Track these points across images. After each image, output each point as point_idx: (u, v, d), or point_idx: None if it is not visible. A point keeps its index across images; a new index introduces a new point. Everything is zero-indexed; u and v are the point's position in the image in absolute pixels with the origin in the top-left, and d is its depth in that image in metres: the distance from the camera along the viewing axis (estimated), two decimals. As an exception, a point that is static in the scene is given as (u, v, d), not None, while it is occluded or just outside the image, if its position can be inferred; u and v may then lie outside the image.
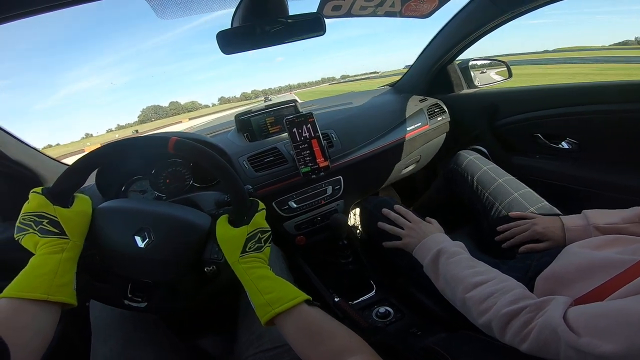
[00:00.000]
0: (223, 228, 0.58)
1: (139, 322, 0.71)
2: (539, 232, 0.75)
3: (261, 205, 0.62)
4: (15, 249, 0.86)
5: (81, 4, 0.51)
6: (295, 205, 1.08)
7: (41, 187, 0.55)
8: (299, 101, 1.29)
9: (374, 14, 1.15)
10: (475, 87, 1.42)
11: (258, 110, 1.23)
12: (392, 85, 1.62)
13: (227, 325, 0.87)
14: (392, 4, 1.08)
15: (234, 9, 0.84)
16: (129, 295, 0.63)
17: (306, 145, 1.01)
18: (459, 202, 1.09)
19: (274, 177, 1.02)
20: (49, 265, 0.48)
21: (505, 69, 1.41)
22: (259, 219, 0.60)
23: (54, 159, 1.10)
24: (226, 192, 0.62)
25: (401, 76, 1.57)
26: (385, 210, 0.91)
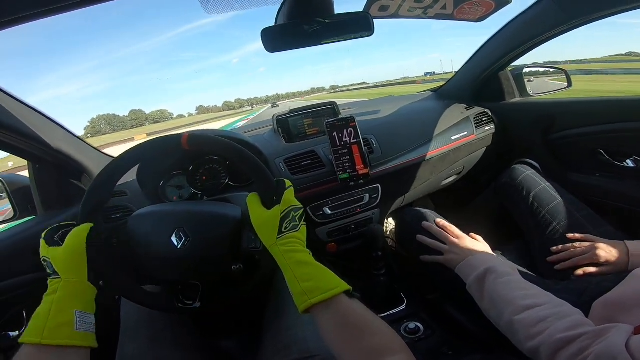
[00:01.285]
0: (256, 212, 0.56)
1: (166, 322, 0.72)
2: (600, 256, 0.71)
3: (288, 182, 0.59)
4: None
5: (68, 11, 0.51)
6: (329, 212, 1.05)
7: (47, 229, 0.56)
8: (338, 103, 1.26)
9: (422, 16, 1.10)
10: (529, 96, 1.31)
11: (296, 111, 1.21)
12: (434, 90, 1.55)
13: (251, 327, 0.85)
14: (443, 6, 1.03)
15: (279, 6, 0.83)
16: (181, 298, 0.63)
17: (346, 150, 0.97)
18: (506, 218, 1.03)
19: (310, 181, 1.00)
20: (42, 308, 0.48)
21: (564, 77, 1.29)
22: (289, 197, 0.57)
23: (96, 149, 1.14)
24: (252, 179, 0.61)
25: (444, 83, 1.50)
26: (426, 224, 0.88)
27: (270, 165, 1.00)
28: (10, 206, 0.95)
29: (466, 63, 1.31)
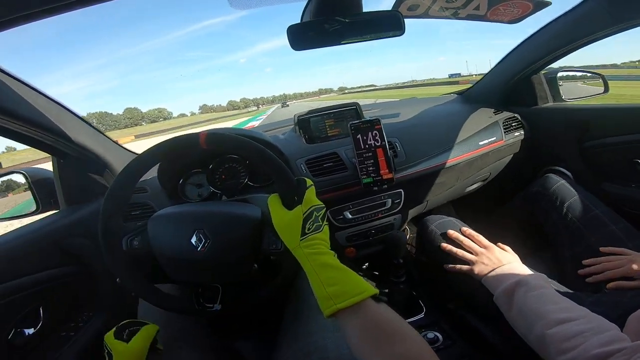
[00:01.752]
0: (278, 214, 0.54)
1: (184, 322, 0.71)
2: (635, 270, 0.70)
3: (309, 182, 0.57)
4: (74, 234, 0.90)
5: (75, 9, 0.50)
6: (350, 216, 1.02)
7: (121, 325, 0.60)
8: (361, 104, 1.22)
9: (454, 16, 1.05)
10: (563, 101, 1.25)
11: (317, 111, 1.18)
12: (460, 93, 1.49)
13: (267, 330, 0.84)
14: (477, 6, 0.99)
15: (305, 2, 0.80)
16: (201, 301, 0.63)
17: (370, 154, 0.94)
18: (533, 228, 0.99)
19: (332, 184, 0.97)
20: None
21: (601, 82, 1.22)
22: (311, 196, 0.55)
23: (120, 145, 1.14)
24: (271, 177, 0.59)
25: (472, 85, 1.44)
26: (453, 233, 0.85)
27: (291, 166, 0.98)
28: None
29: (497, 65, 1.25)
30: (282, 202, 0.56)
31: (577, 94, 1.28)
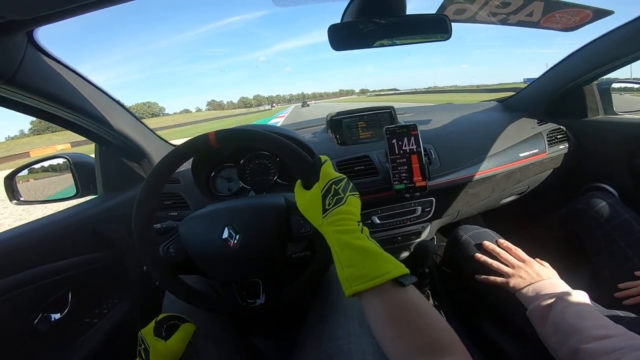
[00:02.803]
0: (299, 195, 0.54)
1: (206, 317, 0.71)
2: None
3: (324, 157, 0.56)
4: (110, 221, 0.94)
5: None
6: (378, 222, 1.00)
7: (161, 317, 0.59)
8: (396, 107, 1.19)
9: (503, 22, 1.00)
10: (615, 114, 1.16)
11: (351, 112, 1.16)
12: (501, 101, 1.42)
13: (290, 329, 0.84)
14: (530, 13, 0.93)
15: (347, 2, 0.78)
16: (244, 296, 0.65)
17: (404, 160, 0.91)
18: (571, 246, 0.96)
19: (362, 188, 0.95)
20: None
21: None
22: (327, 170, 0.54)
23: (158, 135, 1.17)
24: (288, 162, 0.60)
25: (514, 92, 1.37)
26: (489, 244, 0.83)
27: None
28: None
29: (545, 73, 1.18)
30: (302, 185, 0.56)
31: (631, 107, 1.18)
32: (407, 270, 0.43)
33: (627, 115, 1.17)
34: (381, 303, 0.41)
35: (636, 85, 1.19)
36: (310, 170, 0.55)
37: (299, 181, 0.57)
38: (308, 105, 67.89)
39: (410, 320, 0.39)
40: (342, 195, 0.51)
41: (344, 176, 0.55)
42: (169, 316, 0.60)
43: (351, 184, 0.55)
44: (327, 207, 0.50)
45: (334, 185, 0.52)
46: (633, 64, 0.98)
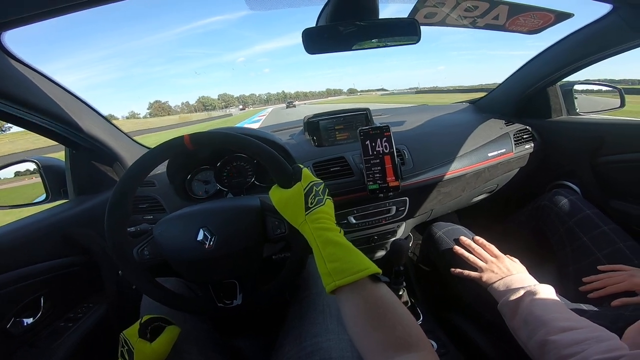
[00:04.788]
0: (277, 193, 0.56)
1: (189, 320, 0.71)
2: (637, 285, 0.72)
3: (301, 165, 0.59)
4: (82, 225, 0.92)
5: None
6: (354, 221, 1.02)
7: (146, 319, 0.58)
8: (371, 109, 1.21)
9: (470, 26, 1.04)
10: (577, 114, 1.23)
11: (328, 115, 1.18)
12: (472, 102, 1.47)
13: (270, 329, 0.85)
14: (496, 16, 0.97)
15: (322, 6, 0.80)
16: (221, 298, 0.65)
17: (378, 160, 0.94)
18: (538, 241, 1.00)
19: (337, 188, 0.97)
20: None
21: (618, 96, 1.19)
22: (308, 174, 0.57)
23: (130, 137, 1.15)
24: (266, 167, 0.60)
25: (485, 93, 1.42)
26: (465, 240, 0.88)
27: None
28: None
29: (512, 75, 1.23)
30: (280, 185, 0.57)
31: (592, 107, 1.25)
32: (379, 270, 0.46)
33: (589, 116, 1.23)
34: (358, 297, 0.43)
35: (596, 87, 1.26)
36: (289, 174, 0.57)
37: (274, 186, 0.58)
38: (294, 106, 57.78)
39: (383, 316, 0.41)
40: (322, 197, 0.55)
41: (322, 180, 0.58)
42: (154, 318, 0.59)
43: (327, 188, 0.58)
44: (309, 205, 0.52)
45: (315, 187, 0.55)
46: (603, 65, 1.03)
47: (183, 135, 0.59)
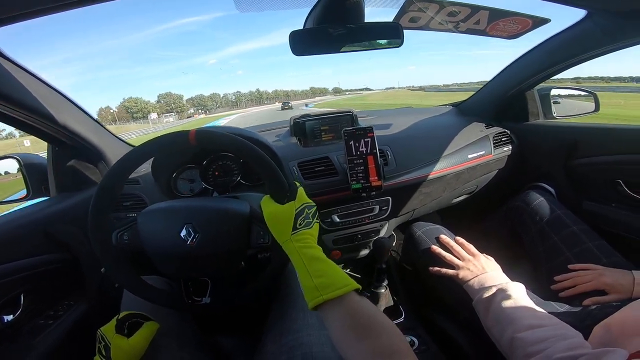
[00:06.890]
0: (270, 207, 0.56)
1: (168, 318, 0.72)
2: (606, 284, 0.73)
3: (297, 183, 0.60)
4: (64, 222, 0.91)
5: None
6: (338, 220, 1.04)
7: (123, 315, 0.58)
8: (356, 111, 1.23)
9: (454, 30, 1.07)
10: (553, 118, 1.27)
11: (314, 115, 1.20)
12: (456, 105, 1.51)
13: (252, 327, 0.86)
14: (477, 21, 1.00)
15: (309, 9, 0.81)
16: (190, 294, 0.65)
17: (361, 160, 0.96)
18: (515, 241, 1.03)
19: (322, 187, 0.99)
20: None
21: (593, 100, 1.25)
22: (303, 195, 0.58)
23: (115, 135, 1.14)
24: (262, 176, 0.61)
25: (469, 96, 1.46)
26: (445, 238, 0.90)
27: (284, 168, 1.00)
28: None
29: (493, 79, 1.27)
30: (273, 199, 0.58)
31: (568, 111, 1.30)
32: (360, 286, 0.49)
33: (564, 119, 1.28)
34: (344, 310, 0.46)
35: (573, 91, 1.31)
36: (285, 190, 0.58)
37: (268, 197, 0.59)
38: (291, 108, 44.60)
39: (368, 326, 0.44)
40: (311, 220, 0.57)
41: (315, 204, 0.60)
42: (131, 314, 0.59)
43: (317, 212, 0.60)
44: (297, 226, 0.54)
45: (306, 209, 0.57)
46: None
47: (189, 130, 0.59)
